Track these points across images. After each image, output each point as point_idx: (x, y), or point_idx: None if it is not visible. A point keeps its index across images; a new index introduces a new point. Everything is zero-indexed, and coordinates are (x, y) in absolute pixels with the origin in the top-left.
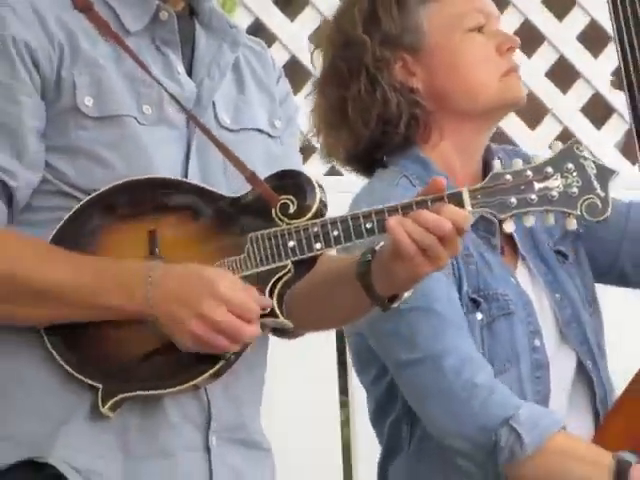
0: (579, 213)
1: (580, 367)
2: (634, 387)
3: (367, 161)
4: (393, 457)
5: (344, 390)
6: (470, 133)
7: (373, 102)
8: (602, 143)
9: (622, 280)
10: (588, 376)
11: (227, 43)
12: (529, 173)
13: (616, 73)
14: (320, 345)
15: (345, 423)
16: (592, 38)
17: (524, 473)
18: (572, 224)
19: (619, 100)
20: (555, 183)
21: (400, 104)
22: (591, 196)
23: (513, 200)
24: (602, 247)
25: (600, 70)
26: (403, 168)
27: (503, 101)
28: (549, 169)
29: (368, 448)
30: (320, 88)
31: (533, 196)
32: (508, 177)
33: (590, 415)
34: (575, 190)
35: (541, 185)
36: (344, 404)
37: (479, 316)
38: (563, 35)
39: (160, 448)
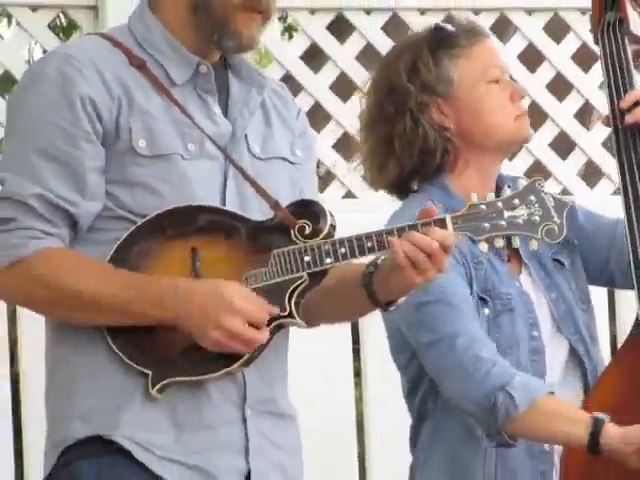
0: (540, 237)
1: (572, 352)
2: (614, 364)
3: (404, 188)
4: (423, 422)
5: (357, 372)
6: (488, 163)
7: (416, 138)
8: (566, 172)
9: (610, 283)
10: (580, 359)
11: (255, 87)
12: (500, 204)
13: (580, 114)
14: (338, 335)
15: (359, 400)
16: (558, 84)
17: (517, 428)
18: (534, 244)
19: (581, 136)
20: (521, 212)
21: (437, 140)
22: (549, 223)
23: (487, 225)
24: (595, 256)
25: (567, 111)
26: (429, 193)
27: (515, 139)
28: (516, 201)
29: (376, 419)
30: (369, 126)
31: (503, 222)
32: (483, 207)
33: (582, 389)
34: (537, 218)
35: (509, 214)
36: (357, 384)
37: (486, 311)
38: (533, 82)
39: (204, 423)
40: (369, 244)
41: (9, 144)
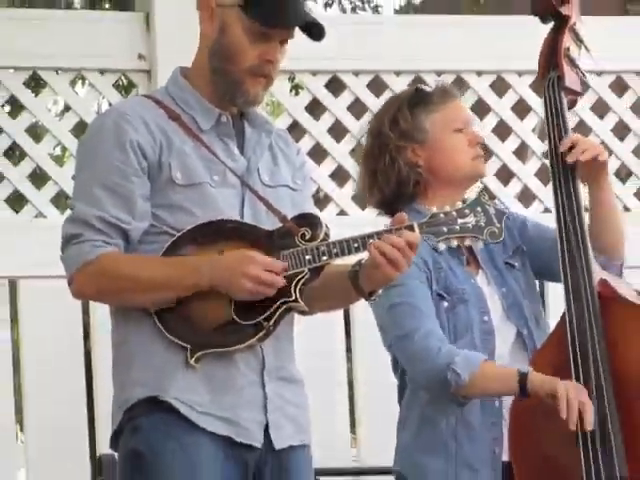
0: (484, 238)
1: (519, 335)
2: (549, 340)
3: (391, 208)
4: (403, 389)
5: (349, 348)
6: (452, 192)
7: (392, 172)
8: (507, 195)
9: (554, 279)
10: (524, 341)
11: (264, 132)
12: (454, 213)
13: (518, 151)
14: (333, 320)
15: (350, 370)
16: (501, 128)
17: (467, 392)
18: (480, 244)
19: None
20: (470, 219)
21: (409, 174)
22: (492, 227)
23: (444, 229)
24: (539, 258)
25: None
26: (409, 213)
27: (473, 175)
28: (466, 211)
29: (364, 384)
30: (362, 160)
31: (457, 227)
32: (442, 215)
33: (526, 364)
34: (482, 223)
35: (461, 220)
36: (349, 359)
37: (445, 304)
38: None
39: (232, 386)
40: (355, 245)
41: (78, 179)
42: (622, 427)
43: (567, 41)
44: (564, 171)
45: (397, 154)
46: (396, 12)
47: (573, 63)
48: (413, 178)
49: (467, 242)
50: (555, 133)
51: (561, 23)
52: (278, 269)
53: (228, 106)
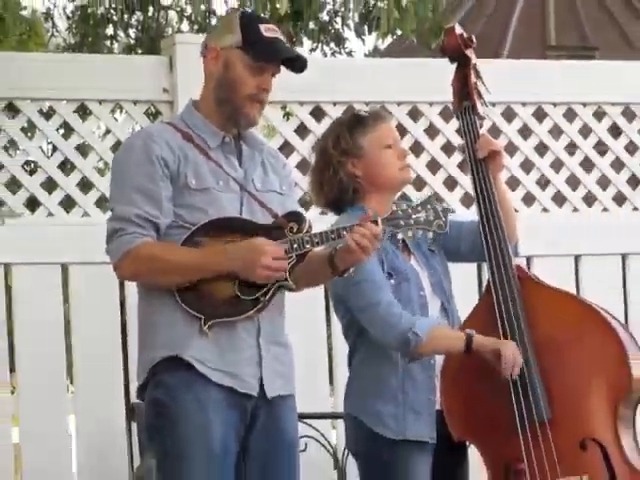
0: (433, 229)
1: (442, 305)
2: (474, 311)
3: (336, 208)
4: (354, 353)
5: (328, 322)
6: (384, 197)
7: (334, 181)
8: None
9: (462, 260)
10: (445, 310)
11: (257, 150)
12: (410, 210)
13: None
14: (315, 295)
15: (329, 336)
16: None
17: (423, 350)
18: (430, 235)
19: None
20: (422, 215)
21: (349, 183)
22: (439, 221)
23: (402, 222)
24: (451, 245)
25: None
26: (352, 211)
27: (400, 183)
28: (419, 208)
29: (340, 348)
30: (312, 173)
31: (411, 221)
32: (400, 212)
33: (449, 328)
34: (431, 218)
35: (415, 216)
36: (329, 327)
37: (392, 281)
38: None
39: (235, 347)
40: (332, 235)
41: (113, 186)
42: (540, 372)
43: (474, 77)
44: (478, 166)
45: (339, 167)
46: (366, 56)
47: (480, 95)
48: (352, 186)
49: (419, 234)
50: (472, 147)
51: (465, 62)
52: (282, 255)
53: (230, 129)
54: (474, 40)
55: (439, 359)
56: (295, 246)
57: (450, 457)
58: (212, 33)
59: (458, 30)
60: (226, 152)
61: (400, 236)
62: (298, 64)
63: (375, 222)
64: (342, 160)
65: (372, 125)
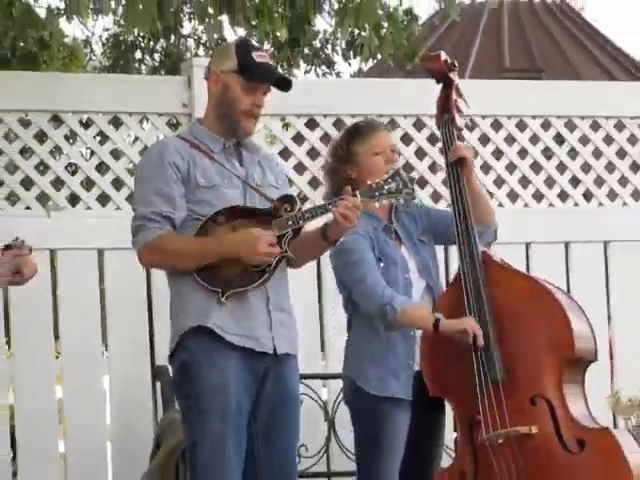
0: (403, 196)
1: (427, 286)
2: (448, 288)
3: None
4: (351, 324)
5: (320, 300)
6: None
7: (336, 183)
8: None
9: (446, 242)
10: (431, 290)
11: (254, 154)
12: (382, 182)
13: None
14: (309, 270)
15: (321, 308)
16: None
17: (399, 322)
18: (400, 201)
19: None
20: (392, 185)
21: (345, 182)
22: (407, 189)
23: (376, 193)
24: (437, 232)
25: None
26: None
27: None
28: (389, 180)
29: (330, 317)
30: (323, 175)
31: (384, 191)
32: (374, 185)
33: (431, 305)
34: (401, 187)
35: (387, 186)
36: (320, 302)
37: (381, 265)
38: None
39: (249, 314)
40: (320, 210)
41: (137, 189)
42: (499, 344)
43: (455, 95)
44: (452, 168)
45: (338, 172)
46: (351, 76)
47: (459, 110)
48: (347, 183)
49: (399, 201)
50: (446, 151)
51: (449, 83)
52: (274, 240)
53: (230, 138)
54: (456, 64)
55: (419, 332)
56: (290, 222)
57: (430, 412)
58: (213, 59)
59: (443, 56)
60: (228, 155)
61: (393, 228)
62: (284, 84)
63: (354, 195)
64: (340, 167)
65: (367, 134)
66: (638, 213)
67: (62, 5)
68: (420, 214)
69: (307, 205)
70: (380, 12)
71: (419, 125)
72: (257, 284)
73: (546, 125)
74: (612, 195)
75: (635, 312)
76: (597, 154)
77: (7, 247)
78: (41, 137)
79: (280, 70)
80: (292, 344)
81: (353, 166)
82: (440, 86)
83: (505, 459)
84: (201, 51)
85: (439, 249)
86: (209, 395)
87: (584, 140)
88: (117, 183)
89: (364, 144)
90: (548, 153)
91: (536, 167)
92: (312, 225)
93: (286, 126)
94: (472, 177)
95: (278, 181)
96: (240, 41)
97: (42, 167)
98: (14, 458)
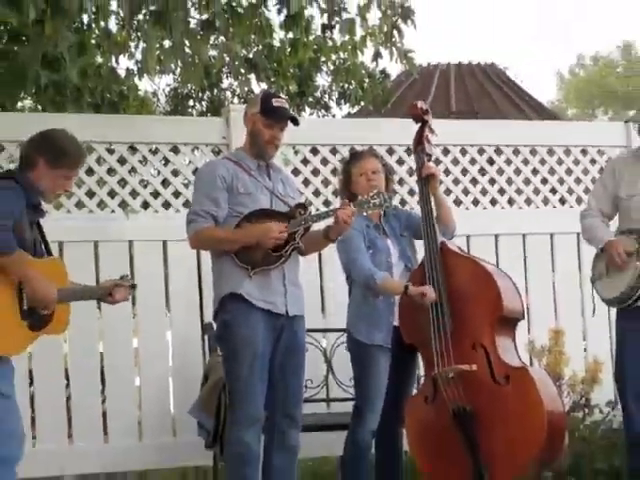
0: (384, 208)
1: (405, 267)
2: (417, 269)
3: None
4: (351, 291)
5: (321, 275)
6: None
7: (342, 195)
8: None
9: (418, 238)
10: (409, 269)
11: (278, 173)
12: (370, 198)
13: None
14: (313, 258)
15: (321, 281)
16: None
17: (379, 291)
18: (381, 212)
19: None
20: (377, 200)
21: (345, 192)
22: (386, 203)
23: (365, 206)
24: (412, 229)
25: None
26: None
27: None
28: (375, 196)
29: (327, 288)
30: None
31: (371, 204)
32: (364, 199)
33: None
34: (382, 202)
35: (373, 201)
36: (320, 277)
37: (370, 251)
38: None
39: (269, 286)
40: (324, 215)
41: (194, 194)
42: (450, 306)
43: (427, 132)
44: (422, 183)
45: (341, 189)
46: (343, 117)
47: (429, 142)
48: (348, 196)
49: (383, 209)
50: (418, 171)
51: (424, 123)
52: (284, 229)
53: (259, 160)
54: (429, 110)
55: (397, 298)
56: (302, 222)
57: (405, 356)
58: (247, 105)
59: (419, 104)
60: (260, 172)
61: (381, 224)
62: (295, 121)
63: (351, 205)
64: (341, 186)
65: (357, 159)
66: (547, 214)
67: (136, 67)
68: (403, 217)
69: (311, 209)
70: (363, 72)
71: (390, 151)
72: (276, 265)
73: (481, 151)
74: (528, 201)
75: (544, 284)
76: (517, 172)
77: (121, 278)
78: (122, 161)
79: (292, 112)
80: (300, 308)
81: (349, 184)
82: (418, 125)
83: (453, 387)
84: (235, 100)
85: (419, 242)
86: (241, 344)
87: (508, 162)
88: (176, 194)
89: (356, 167)
90: (482, 172)
91: (473, 181)
92: (317, 226)
93: (296, 152)
94: (437, 190)
95: (294, 194)
96: (264, 92)
97: (123, 183)
98: (103, 390)
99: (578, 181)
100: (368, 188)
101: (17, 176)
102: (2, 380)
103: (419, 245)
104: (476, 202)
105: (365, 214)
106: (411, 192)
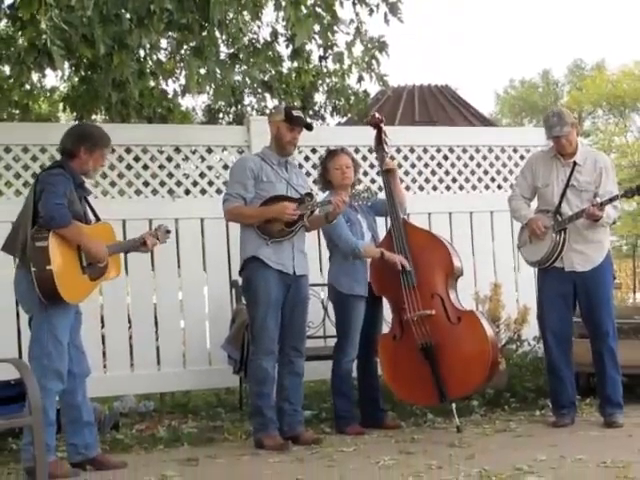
0: (368, 197)
1: (372, 237)
2: (384, 238)
3: (324, 191)
4: (332, 255)
5: (319, 245)
6: (341, 189)
7: (322, 184)
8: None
9: (385, 215)
10: (374, 239)
11: (292, 167)
12: (360, 190)
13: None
14: (314, 234)
15: (319, 246)
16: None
17: (361, 255)
18: (368, 203)
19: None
20: (365, 194)
21: (324, 183)
22: (370, 195)
23: (357, 196)
24: (378, 210)
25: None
26: (330, 194)
27: (341, 186)
28: (362, 190)
29: (325, 256)
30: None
31: (360, 196)
32: (354, 192)
33: (374, 246)
34: (367, 195)
35: (362, 194)
36: (319, 247)
37: (348, 224)
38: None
39: (282, 252)
40: (325, 203)
41: (229, 182)
42: (414, 267)
43: (384, 135)
44: (384, 175)
45: (321, 179)
46: (335, 125)
47: (386, 143)
48: (325, 184)
49: (367, 198)
50: (380, 165)
51: (380, 129)
52: (296, 210)
53: (282, 156)
54: (383, 119)
55: (369, 260)
56: (309, 206)
57: (375, 305)
58: (272, 115)
59: (377, 115)
60: (280, 166)
61: (356, 204)
62: (309, 127)
63: (345, 195)
64: (320, 178)
65: (332, 156)
66: (489, 197)
67: (180, 89)
68: (370, 200)
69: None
70: (349, 91)
71: (371, 150)
72: (288, 237)
73: (438, 150)
74: (474, 187)
75: (486, 250)
76: (465, 165)
77: (157, 228)
78: (169, 159)
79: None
80: (305, 269)
81: (327, 175)
82: (375, 130)
83: (419, 327)
84: (254, 113)
85: (380, 219)
86: (260, 295)
87: (458, 158)
88: (210, 183)
89: (331, 162)
90: (439, 165)
91: (433, 172)
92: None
93: (300, 152)
94: (396, 180)
95: (304, 184)
96: (286, 105)
97: (170, 175)
98: (156, 331)
99: (511, 172)
100: (342, 180)
101: (63, 164)
102: (60, 328)
103: (380, 222)
104: (435, 188)
105: (355, 204)
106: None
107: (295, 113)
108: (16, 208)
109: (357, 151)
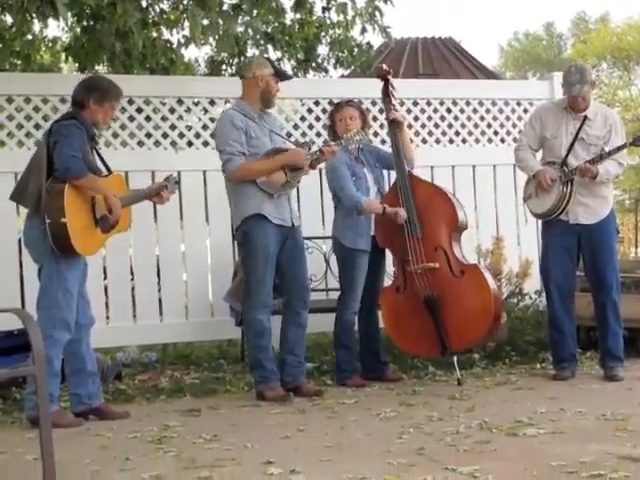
0: (360, 140)
1: (377, 189)
2: (389, 191)
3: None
4: (336, 209)
5: (322, 197)
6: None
7: (331, 134)
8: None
9: (390, 168)
10: (380, 192)
11: (269, 117)
12: (351, 135)
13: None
14: (316, 185)
15: (321, 195)
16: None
17: (364, 211)
18: (360, 145)
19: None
20: (357, 137)
21: (333, 134)
22: (362, 137)
23: (350, 140)
24: (383, 162)
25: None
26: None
27: (344, 135)
28: (355, 134)
29: (328, 211)
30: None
31: (354, 139)
32: (347, 136)
33: (380, 199)
34: (360, 138)
35: (355, 137)
36: (321, 200)
37: (353, 179)
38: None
39: (281, 207)
40: (319, 153)
41: (221, 140)
42: (419, 220)
43: (390, 87)
44: (390, 125)
45: (330, 129)
46: (339, 77)
47: (393, 95)
48: (333, 135)
49: (359, 141)
50: (386, 115)
51: (387, 80)
52: (307, 156)
53: (265, 108)
54: (391, 71)
55: (373, 215)
56: (307, 157)
57: (378, 258)
58: (256, 68)
59: (384, 67)
60: (259, 118)
61: (359, 157)
62: (291, 78)
63: (335, 143)
64: (329, 129)
65: (337, 109)
66: (491, 150)
67: (183, 39)
68: (375, 152)
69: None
70: (353, 43)
71: (373, 103)
72: (293, 188)
73: (441, 103)
74: (477, 140)
75: (488, 203)
76: (469, 118)
77: (166, 179)
78: (172, 111)
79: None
80: (299, 219)
81: (333, 125)
82: (382, 82)
83: (422, 280)
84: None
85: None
86: (257, 250)
87: (461, 111)
88: (213, 135)
89: (336, 114)
90: (442, 118)
91: (436, 125)
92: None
93: (303, 104)
94: (402, 131)
95: (280, 131)
96: (268, 59)
97: (173, 127)
98: (159, 282)
99: (514, 126)
100: (345, 130)
101: (76, 115)
102: (71, 279)
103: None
104: (438, 141)
105: (350, 148)
106: (381, 126)
107: (278, 66)
108: (18, 159)
109: (360, 104)
